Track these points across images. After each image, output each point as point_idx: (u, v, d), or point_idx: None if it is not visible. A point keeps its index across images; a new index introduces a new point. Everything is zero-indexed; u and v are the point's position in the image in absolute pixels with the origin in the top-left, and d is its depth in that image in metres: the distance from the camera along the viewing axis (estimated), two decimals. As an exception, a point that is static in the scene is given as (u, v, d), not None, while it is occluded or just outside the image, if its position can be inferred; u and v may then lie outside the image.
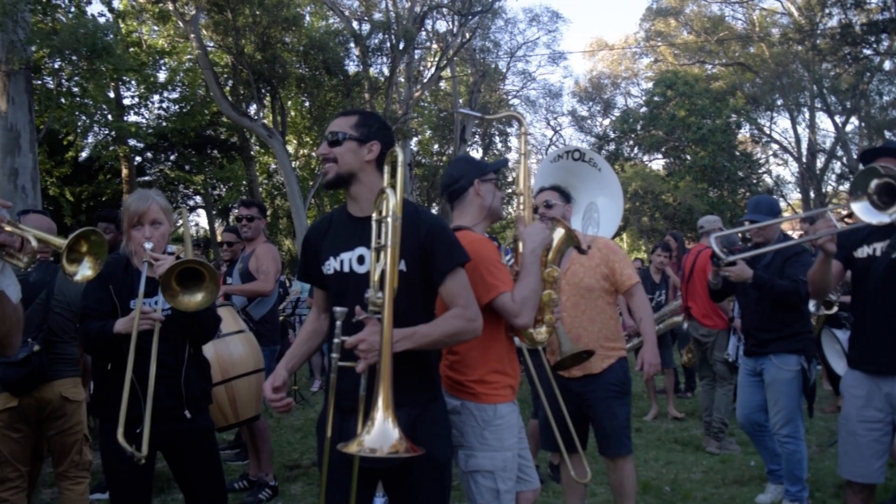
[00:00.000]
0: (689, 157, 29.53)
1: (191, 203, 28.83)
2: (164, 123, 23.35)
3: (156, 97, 23.56)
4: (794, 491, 4.83)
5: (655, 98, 29.94)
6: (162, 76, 23.43)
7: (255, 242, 5.85)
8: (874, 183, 3.16)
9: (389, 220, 2.39)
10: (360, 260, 2.65)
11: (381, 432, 2.19)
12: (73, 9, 16.16)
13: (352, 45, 21.75)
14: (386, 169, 2.59)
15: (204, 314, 3.23)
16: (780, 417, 4.78)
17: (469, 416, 2.94)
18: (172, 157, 26.11)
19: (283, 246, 31.03)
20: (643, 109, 31.31)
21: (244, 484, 5.54)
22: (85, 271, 2.20)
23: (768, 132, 33.44)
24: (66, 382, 3.96)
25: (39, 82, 15.23)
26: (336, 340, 2.42)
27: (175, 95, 24.05)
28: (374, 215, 2.52)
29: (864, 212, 3.21)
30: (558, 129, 38.73)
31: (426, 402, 2.65)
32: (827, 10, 24.64)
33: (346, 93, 20.91)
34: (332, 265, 2.70)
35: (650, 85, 32.61)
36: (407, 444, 2.19)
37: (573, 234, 3.28)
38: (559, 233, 3.24)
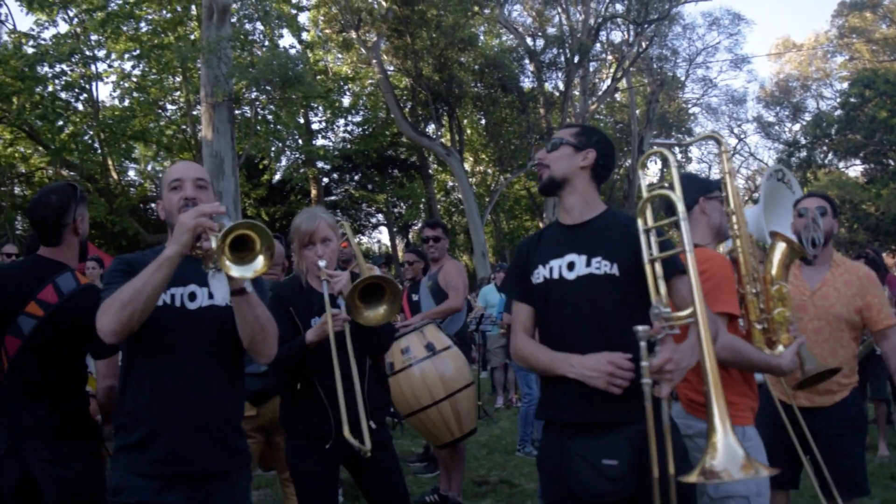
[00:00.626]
0: (892, 162, 27.23)
1: (373, 221, 30.15)
2: (349, 146, 24.65)
3: (341, 121, 24.97)
4: None
5: (852, 99, 27.84)
6: (346, 101, 24.73)
7: (442, 261, 5.98)
8: None
9: (682, 223, 2.28)
10: (570, 266, 2.53)
11: (727, 453, 2.03)
12: (266, 43, 17.45)
13: (526, 61, 21.93)
14: (647, 172, 2.55)
15: (383, 326, 3.27)
16: None
17: None
18: (356, 178, 27.52)
19: (461, 261, 31.59)
20: (838, 112, 29.20)
21: (435, 498, 5.61)
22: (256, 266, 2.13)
23: None
24: None
25: (239, 112, 16.47)
26: (644, 363, 2.22)
27: (358, 119, 25.35)
28: (640, 224, 2.41)
29: None
30: (743, 136, 37.00)
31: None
32: None
33: (521, 109, 21.09)
34: (541, 273, 2.60)
35: (845, 85, 30.40)
36: (757, 463, 2.05)
37: (795, 245, 3.08)
38: (780, 247, 3.04)
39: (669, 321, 2.25)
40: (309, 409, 3.23)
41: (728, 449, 2.03)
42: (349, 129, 25.55)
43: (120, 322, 2.24)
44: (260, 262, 2.14)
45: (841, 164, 31.03)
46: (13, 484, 2.98)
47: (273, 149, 21.54)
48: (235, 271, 2.12)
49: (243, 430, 2.63)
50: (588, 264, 2.51)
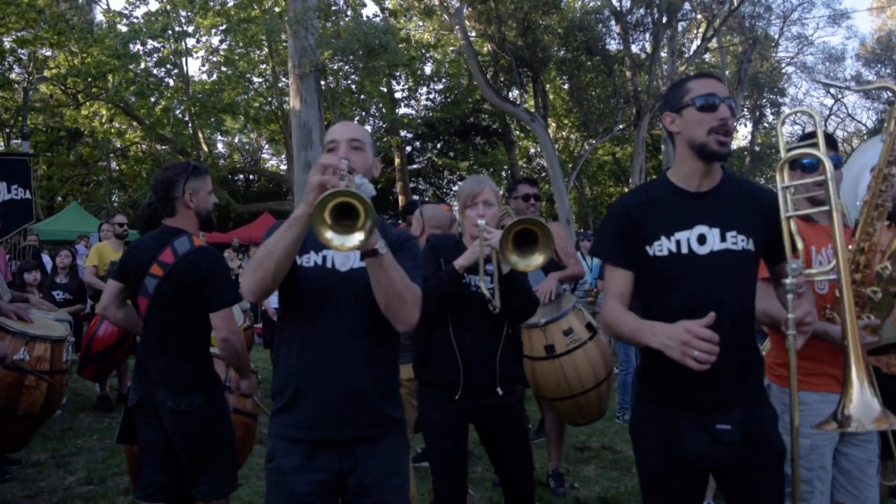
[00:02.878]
0: None
1: (455, 189, 30.14)
2: (431, 114, 24.66)
3: (423, 89, 25.02)
4: None
5: (960, 54, 26.28)
6: (428, 69, 24.69)
7: None
8: None
9: (829, 182, 2.31)
10: (702, 239, 2.40)
11: (862, 405, 2.11)
12: (350, 12, 17.51)
13: (612, 22, 21.36)
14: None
15: (526, 295, 3.34)
16: None
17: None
18: (439, 146, 27.56)
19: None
20: (945, 68, 27.62)
21: (559, 481, 5.48)
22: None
23: None
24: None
25: (324, 83, 16.63)
26: (790, 316, 2.23)
27: (440, 86, 25.36)
28: (780, 181, 2.41)
29: None
30: (840, 96, 35.34)
31: (758, 394, 2.48)
32: None
33: (607, 72, 20.63)
34: (664, 245, 2.43)
35: (952, 40, 28.68)
36: (892, 416, 2.11)
37: None
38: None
39: (810, 277, 2.28)
40: (440, 359, 3.31)
41: (863, 400, 2.09)
42: (431, 96, 25.63)
43: (255, 280, 2.25)
44: (356, 238, 2.05)
45: (947, 124, 29.32)
46: (146, 433, 3.29)
47: (357, 118, 21.69)
48: (335, 240, 2.05)
49: (398, 397, 2.58)
50: (723, 239, 2.39)
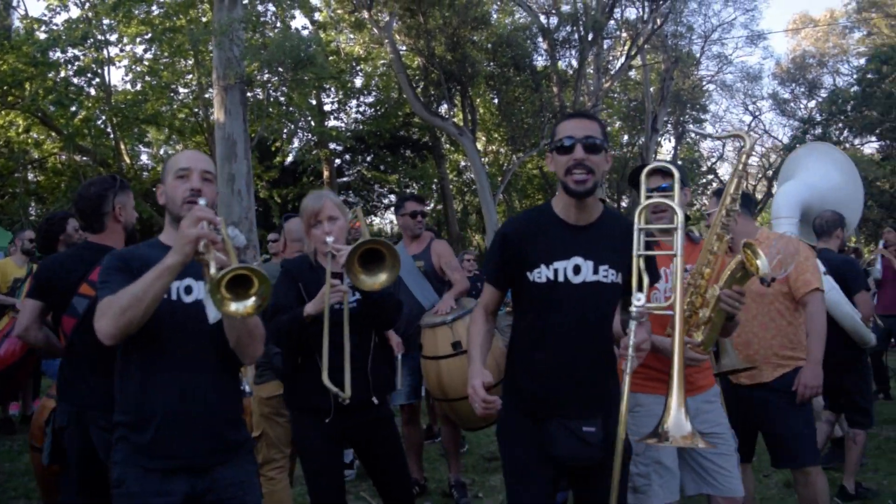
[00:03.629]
0: (908, 138, 26.85)
1: (385, 202, 30.06)
2: (361, 126, 24.55)
3: (353, 102, 24.88)
4: None
5: (869, 75, 27.41)
6: (358, 82, 24.62)
7: (424, 239, 5.59)
8: None
9: (679, 232, 2.57)
10: (577, 270, 2.64)
11: (676, 424, 2.39)
12: (278, 24, 17.33)
13: (539, 39, 21.70)
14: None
15: (388, 300, 3.35)
16: None
17: None
18: (369, 159, 27.42)
19: (472, 241, 31.56)
20: (854, 89, 28.74)
21: (458, 491, 5.48)
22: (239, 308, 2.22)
23: None
24: None
25: (251, 95, 16.41)
26: (632, 341, 2.47)
27: (370, 99, 25.26)
28: (637, 223, 2.61)
29: None
30: (758, 113, 36.57)
31: (615, 402, 2.70)
32: None
33: (534, 87, 20.90)
34: (543, 273, 2.66)
35: (862, 61, 29.92)
36: (698, 437, 2.41)
37: (752, 266, 2.88)
38: (737, 258, 2.93)
39: (651, 311, 2.61)
40: (309, 384, 3.29)
41: (678, 420, 2.41)
42: (361, 109, 25.47)
43: (118, 327, 2.29)
44: (251, 303, 2.21)
45: (857, 141, 30.62)
46: (75, 453, 3.26)
47: (285, 131, 21.48)
48: (233, 307, 2.20)
49: (242, 420, 2.71)
50: (595, 272, 2.65)
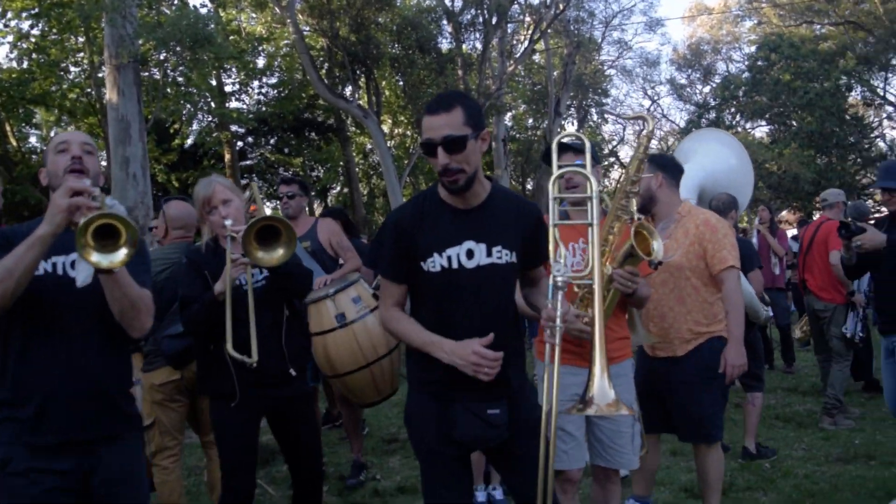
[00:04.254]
0: (794, 123, 28.12)
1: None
2: (264, 108, 24.01)
3: (255, 83, 24.23)
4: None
5: (759, 62, 28.56)
6: (261, 62, 24.00)
7: (301, 220, 5.56)
8: None
9: (594, 201, 2.64)
10: (470, 254, 2.60)
11: (601, 392, 2.49)
12: (176, 1, 16.74)
13: (444, 22, 21.66)
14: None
15: (296, 271, 3.42)
16: None
17: None
18: (272, 141, 26.87)
19: (379, 225, 31.45)
20: (745, 75, 29.94)
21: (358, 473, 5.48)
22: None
23: (882, 94, 31.47)
24: None
25: (146, 74, 15.80)
26: (559, 310, 2.52)
27: (273, 80, 24.67)
28: (551, 192, 2.69)
29: None
30: (656, 98, 37.69)
31: (521, 381, 2.81)
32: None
33: (439, 70, 20.88)
34: (437, 262, 2.60)
35: (753, 49, 31.17)
36: (622, 405, 2.52)
37: (639, 251, 3.05)
38: (630, 240, 3.06)
39: (572, 280, 2.71)
40: (215, 368, 3.34)
41: (602, 388, 2.50)
42: (264, 91, 24.84)
43: None
44: (122, 254, 2.19)
45: (748, 125, 31.94)
46: None
47: (184, 112, 20.77)
48: (95, 257, 2.16)
49: (132, 395, 2.75)
50: (489, 254, 2.61)
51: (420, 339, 2.63)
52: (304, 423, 3.54)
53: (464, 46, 22.23)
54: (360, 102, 20.46)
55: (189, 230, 4.45)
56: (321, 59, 21.44)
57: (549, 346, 2.60)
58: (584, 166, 2.82)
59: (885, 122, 32.42)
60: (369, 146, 29.01)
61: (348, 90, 21.03)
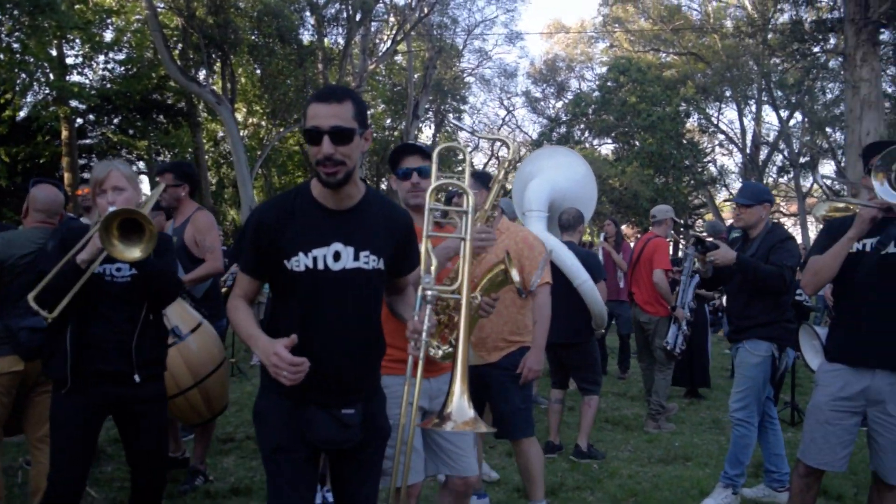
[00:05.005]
0: (637, 143, 29.80)
1: (134, 169, 28.11)
2: (109, 85, 22.72)
3: (101, 57, 22.87)
4: (732, 474, 4.86)
5: (608, 83, 30.09)
6: (108, 36, 22.71)
7: (184, 211, 5.18)
8: None
9: (469, 216, 2.64)
10: (336, 256, 2.53)
11: (459, 409, 2.47)
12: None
13: (307, 13, 21.36)
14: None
15: (165, 276, 3.37)
16: (738, 399, 4.79)
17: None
18: (116, 121, 25.37)
19: (227, 216, 30.52)
20: (596, 94, 31.45)
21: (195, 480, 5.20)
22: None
23: (715, 122, 33.96)
24: None
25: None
26: (426, 325, 2.50)
27: (121, 57, 23.37)
28: (430, 202, 2.66)
29: (884, 192, 3.26)
30: (511, 109, 38.81)
31: (375, 388, 2.77)
32: (779, 6, 24.99)
33: (298, 62, 20.55)
34: (302, 262, 2.52)
35: (604, 70, 32.74)
36: (480, 423, 2.52)
37: (511, 280, 3.11)
38: (499, 268, 3.11)
39: (439, 294, 2.63)
40: (58, 353, 3.26)
41: (461, 406, 2.48)
42: (110, 66, 23.44)
43: None
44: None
45: (595, 142, 33.52)
46: None
47: (18, 82, 19.31)
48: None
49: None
50: (356, 258, 2.56)
51: (246, 331, 2.59)
52: (149, 428, 3.43)
53: (326, 40, 22.00)
54: (214, 88, 19.80)
55: (51, 216, 4.18)
56: (175, 38, 20.60)
57: (411, 357, 2.60)
58: (428, 172, 2.87)
59: (717, 149, 35.03)
60: (221, 134, 28.14)
61: (202, 74, 20.31)
